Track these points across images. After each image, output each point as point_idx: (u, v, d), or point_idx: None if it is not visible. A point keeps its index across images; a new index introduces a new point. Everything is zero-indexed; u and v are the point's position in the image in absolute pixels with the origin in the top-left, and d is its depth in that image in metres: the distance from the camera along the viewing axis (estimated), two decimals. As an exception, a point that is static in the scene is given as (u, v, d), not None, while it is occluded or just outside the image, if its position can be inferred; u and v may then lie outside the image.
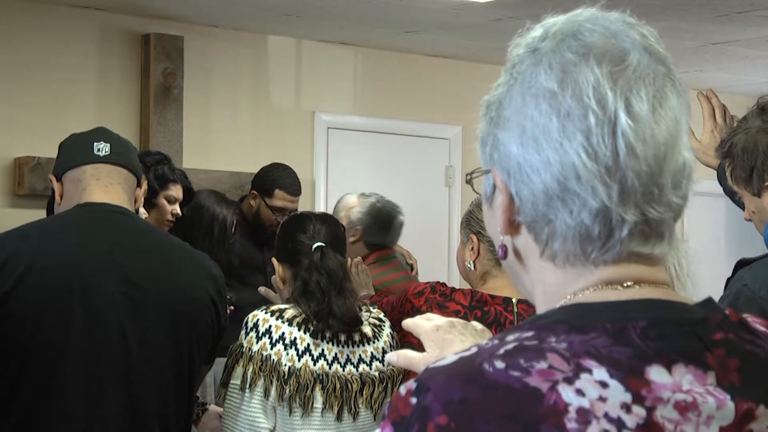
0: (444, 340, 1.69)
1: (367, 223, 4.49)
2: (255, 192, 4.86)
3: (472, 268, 2.86)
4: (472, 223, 2.87)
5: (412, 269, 5.22)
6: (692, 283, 2.39)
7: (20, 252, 2.47)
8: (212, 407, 3.28)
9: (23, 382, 2.46)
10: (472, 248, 2.85)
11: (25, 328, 2.45)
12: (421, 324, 1.72)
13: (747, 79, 6.86)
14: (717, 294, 2.37)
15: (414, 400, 0.94)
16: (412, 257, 5.27)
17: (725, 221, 7.05)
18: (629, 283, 1.01)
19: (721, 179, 2.78)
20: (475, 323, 1.78)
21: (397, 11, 5.28)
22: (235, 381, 2.78)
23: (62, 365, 2.47)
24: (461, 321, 1.76)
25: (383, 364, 2.89)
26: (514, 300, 2.79)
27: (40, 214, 3.44)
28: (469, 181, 1.17)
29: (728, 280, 2.49)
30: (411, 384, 0.95)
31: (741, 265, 2.48)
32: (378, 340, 2.90)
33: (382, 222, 4.57)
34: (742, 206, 2.60)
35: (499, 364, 0.94)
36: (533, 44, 1.04)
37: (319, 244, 2.89)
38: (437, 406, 0.92)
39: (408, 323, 1.74)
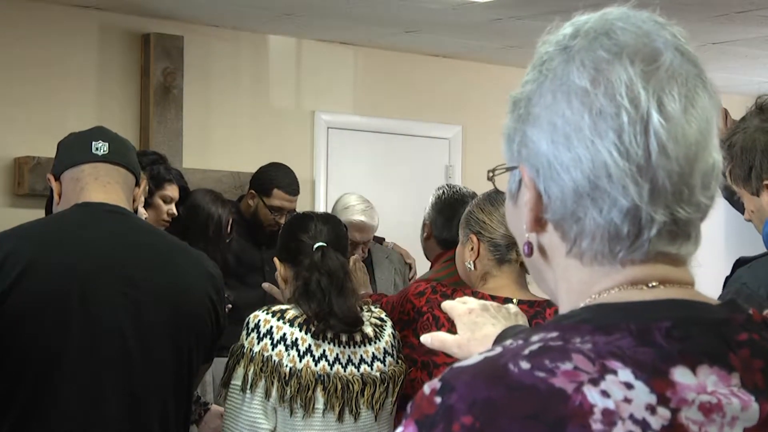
0: (475, 323, 1.72)
1: (433, 217, 4.10)
2: (253, 191, 4.86)
3: (472, 268, 2.86)
4: (471, 223, 2.87)
5: (410, 269, 5.22)
6: None
7: (19, 251, 2.47)
8: (214, 407, 3.29)
9: (21, 382, 2.46)
10: (472, 248, 2.85)
11: (23, 327, 2.45)
12: (456, 306, 1.76)
13: (747, 78, 6.86)
14: (715, 294, 2.37)
15: (438, 400, 0.94)
16: (410, 257, 5.27)
17: (725, 221, 7.06)
18: (654, 284, 1.01)
19: (720, 185, 2.77)
20: (510, 306, 1.81)
21: (397, 11, 5.28)
22: (236, 382, 2.78)
23: (61, 365, 2.47)
24: (495, 304, 1.79)
25: (384, 365, 2.89)
26: (514, 300, 2.79)
27: (40, 213, 3.44)
28: (490, 178, 1.15)
29: (727, 278, 2.49)
30: (435, 383, 0.95)
31: (740, 264, 2.48)
32: (379, 341, 2.90)
33: (447, 213, 4.07)
34: (741, 210, 2.60)
35: (524, 365, 0.94)
36: (564, 42, 1.03)
37: (321, 244, 2.89)
38: (462, 405, 0.92)
39: (446, 306, 1.79)
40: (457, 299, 1.80)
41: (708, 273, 2.93)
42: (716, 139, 1.03)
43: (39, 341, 2.46)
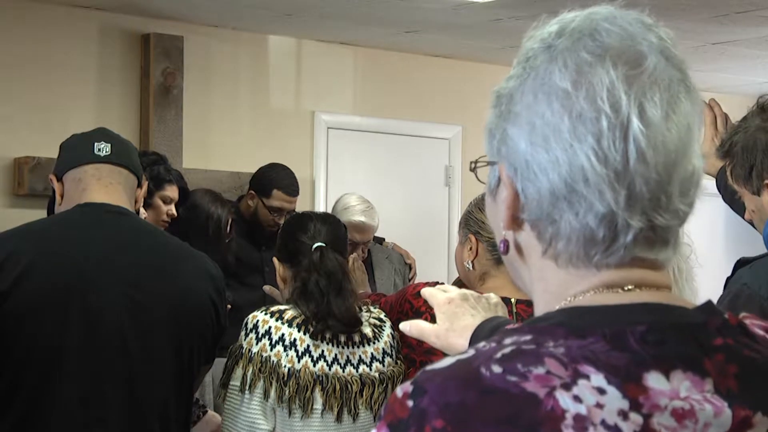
0: (454, 313, 1.72)
1: None
2: (253, 192, 4.86)
3: (471, 268, 2.85)
4: (470, 223, 2.86)
5: (410, 269, 5.22)
6: (690, 288, 2.39)
7: (20, 251, 2.47)
8: (210, 412, 3.27)
9: (22, 382, 2.46)
10: (471, 248, 2.84)
11: (24, 327, 2.45)
12: (436, 295, 1.76)
13: (747, 79, 6.86)
14: (716, 294, 2.37)
15: (411, 403, 0.93)
16: (410, 257, 5.28)
17: (725, 221, 7.05)
18: (630, 287, 1.00)
19: (720, 187, 2.78)
20: (490, 295, 1.80)
21: (397, 11, 5.28)
22: (235, 382, 2.78)
23: (61, 365, 2.47)
24: (475, 294, 1.78)
25: (383, 365, 2.89)
26: (513, 300, 2.78)
27: (40, 214, 3.43)
28: (473, 169, 1.15)
29: (728, 279, 2.49)
30: (407, 386, 0.95)
31: (741, 264, 2.48)
32: (378, 341, 2.90)
33: None
34: (740, 212, 2.61)
35: (497, 369, 0.93)
36: (548, 40, 1.02)
37: (319, 244, 2.88)
38: (434, 409, 0.92)
39: (425, 293, 1.79)
40: (438, 287, 1.79)
41: (708, 274, 2.93)
42: (697, 145, 1.02)
43: (40, 341, 2.46)
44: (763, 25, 5.43)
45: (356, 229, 4.79)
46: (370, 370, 2.86)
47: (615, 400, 0.92)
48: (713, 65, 6.40)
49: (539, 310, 1.05)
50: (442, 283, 2.89)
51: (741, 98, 5.68)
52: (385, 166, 6.26)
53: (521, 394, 0.91)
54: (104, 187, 2.63)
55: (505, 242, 1.07)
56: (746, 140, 2.42)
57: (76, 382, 2.48)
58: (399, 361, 2.92)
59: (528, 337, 0.96)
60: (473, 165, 1.15)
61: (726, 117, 2.85)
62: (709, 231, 6.96)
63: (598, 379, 0.92)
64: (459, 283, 2.91)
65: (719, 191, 2.81)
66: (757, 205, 2.46)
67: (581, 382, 0.92)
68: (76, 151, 2.68)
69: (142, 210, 3.10)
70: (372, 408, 2.85)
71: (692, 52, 5.96)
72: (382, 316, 2.96)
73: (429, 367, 0.96)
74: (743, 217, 2.60)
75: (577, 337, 0.95)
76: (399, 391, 0.95)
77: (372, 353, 2.88)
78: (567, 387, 0.92)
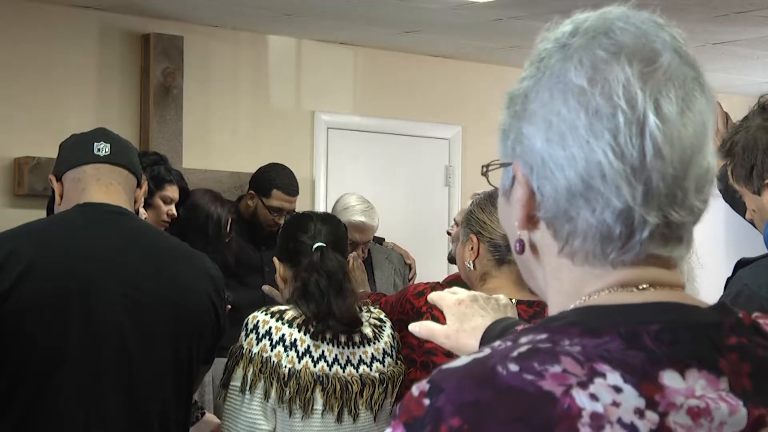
0: (464, 314, 1.72)
1: None
2: (252, 192, 4.86)
3: (472, 268, 2.85)
4: (472, 222, 2.86)
5: (410, 269, 5.22)
6: (692, 289, 2.39)
7: (20, 251, 2.47)
8: (208, 415, 3.26)
9: (22, 382, 2.46)
10: (472, 248, 2.84)
11: (24, 327, 2.45)
12: (445, 297, 1.76)
13: (747, 79, 6.86)
14: (717, 294, 2.37)
15: (427, 402, 0.93)
16: (410, 257, 5.27)
17: (726, 221, 7.05)
18: (645, 286, 1.00)
19: (720, 187, 2.78)
20: (500, 296, 1.81)
21: (397, 11, 5.28)
22: (235, 383, 2.78)
23: (61, 365, 2.47)
24: (484, 295, 1.79)
25: (383, 365, 2.89)
26: (513, 301, 2.78)
27: (40, 214, 3.44)
28: (485, 173, 1.15)
29: (728, 279, 2.49)
30: (424, 385, 0.95)
31: (741, 264, 2.47)
32: (378, 341, 2.90)
33: None
34: (741, 212, 2.60)
35: (513, 367, 0.93)
36: (563, 39, 1.03)
37: (320, 244, 2.88)
38: (450, 408, 0.92)
39: (433, 296, 1.79)
40: (447, 289, 1.80)
41: (709, 274, 2.93)
42: (711, 143, 1.02)
43: (40, 341, 2.46)
44: (763, 25, 5.43)
45: (356, 229, 4.79)
46: (371, 370, 2.86)
47: (631, 398, 0.92)
48: (713, 65, 6.39)
49: (554, 310, 1.05)
50: (442, 283, 2.90)
51: (741, 98, 5.68)
52: (385, 166, 6.26)
53: (538, 392, 0.91)
54: (104, 187, 2.63)
55: (521, 242, 1.07)
56: (747, 140, 2.42)
57: (75, 381, 2.48)
58: (399, 362, 2.92)
59: (544, 336, 0.97)
60: (485, 168, 1.15)
61: (727, 116, 2.84)
62: (710, 231, 6.96)
63: (614, 377, 0.93)
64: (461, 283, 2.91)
65: (719, 190, 2.81)
66: (758, 204, 2.46)
67: (597, 380, 0.92)
68: (76, 151, 2.68)
69: (142, 210, 3.10)
70: (372, 408, 2.85)
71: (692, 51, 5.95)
72: (383, 316, 2.96)
73: (445, 366, 0.96)
74: (744, 217, 2.60)
75: (592, 336, 0.95)
76: (415, 389, 0.95)
77: (372, 353, 2.88)
78: (583, 385, 0.92)
